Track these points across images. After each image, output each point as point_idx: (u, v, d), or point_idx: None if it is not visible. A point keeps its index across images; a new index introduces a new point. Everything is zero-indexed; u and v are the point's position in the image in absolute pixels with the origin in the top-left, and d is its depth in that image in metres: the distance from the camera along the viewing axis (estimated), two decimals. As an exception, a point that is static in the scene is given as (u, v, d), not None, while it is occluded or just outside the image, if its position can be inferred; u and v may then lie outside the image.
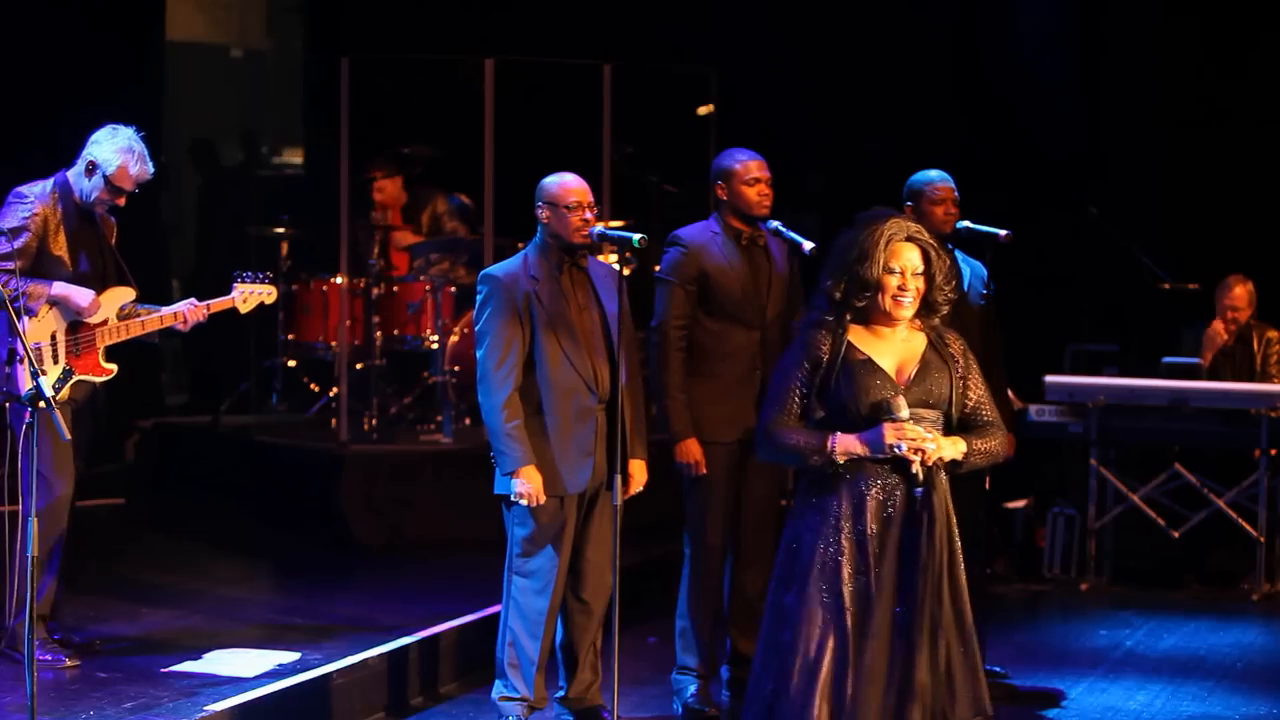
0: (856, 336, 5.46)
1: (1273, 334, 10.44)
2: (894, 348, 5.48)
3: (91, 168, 7.13)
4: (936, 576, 5.38)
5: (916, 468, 5.37)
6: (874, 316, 5.46)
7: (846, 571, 5.36)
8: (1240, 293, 10.43)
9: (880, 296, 5.41)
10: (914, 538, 5.37)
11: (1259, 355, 10.39)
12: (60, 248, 7.11)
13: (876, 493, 5.39)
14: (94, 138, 7.18)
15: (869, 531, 5.37)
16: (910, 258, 5.43)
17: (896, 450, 5.35)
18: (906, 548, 5.37)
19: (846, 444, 5.38)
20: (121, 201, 7.22)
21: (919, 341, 5.51)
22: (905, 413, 5.37)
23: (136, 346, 7.59)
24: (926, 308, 5.48)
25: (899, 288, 5.41)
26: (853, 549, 5.37)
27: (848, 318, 5.45)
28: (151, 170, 7.23)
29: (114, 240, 7.35)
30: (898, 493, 5.40)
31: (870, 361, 5.44)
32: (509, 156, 10.57)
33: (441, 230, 11.56)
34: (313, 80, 13.54)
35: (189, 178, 13.77)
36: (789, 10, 12.40)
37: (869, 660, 5.33)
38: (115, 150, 7.13)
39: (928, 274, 5.45)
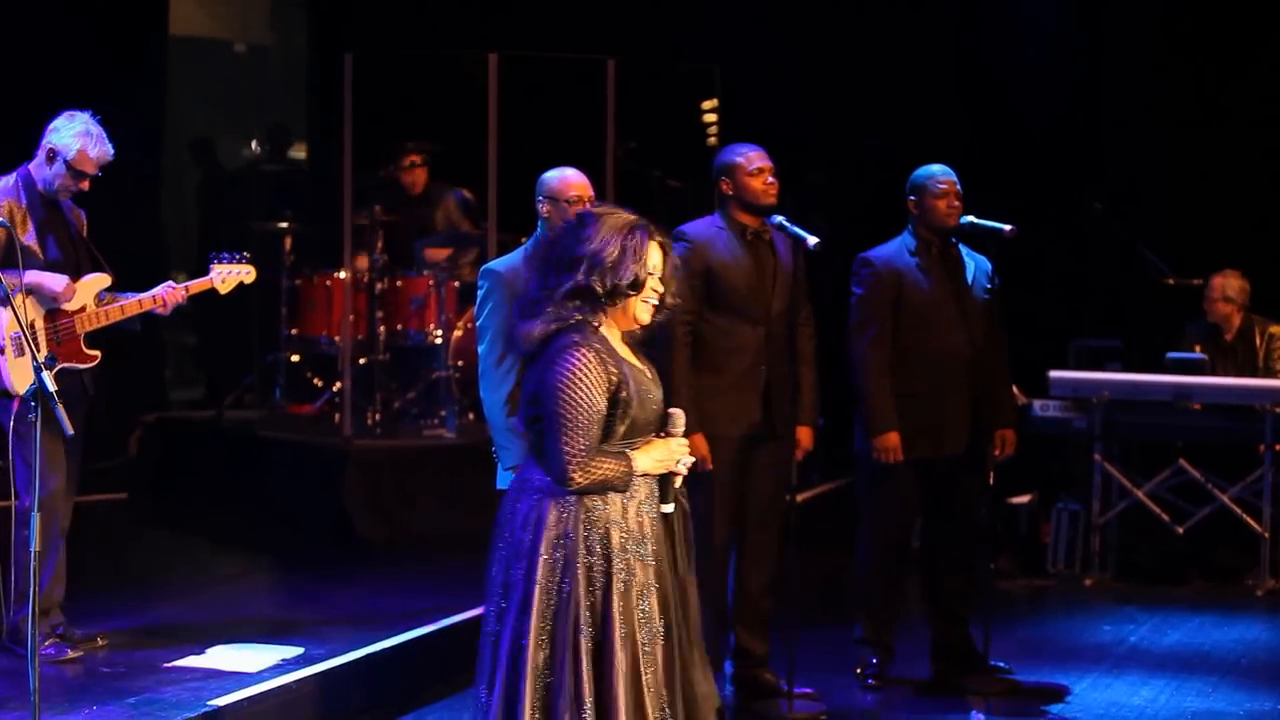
0: (616, 342, 5.12)
1: (1275, 329, 10.43)
2: (629, 354, 5.18)
3: (52, 155, 7.15)
4: (683, 587, 5.20)
5: (678, 483, 5.18)
6: (615, 317, 5.11)
7: (609, 590, 5.04)
8: (1218, 283, 10.39)
9: (630, 300, 5.08)
10: (669, 551, 5.17)
11: (1261, 351, 10.37)
12: (29, 238, 7.10)
13: (632, 510, 5.10)
14: (52, 125, 7.19)
15: (626, 546, 5.08)
16: (657, 259, 5.11)
17: (681, 466, 5.13)
18: (663, 560, 5.15)
19: (642, 464, 5.08)
20: (85, 185, 7.19)
21: (625, 348, 5.19)
22: (682, 426, 5.17)
23: (135, 341, 7.58)
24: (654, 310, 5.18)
25: (652, 290, 5.10)
26: (613, 564, 5.05)
27: (599, 323, 5.09)
28: (111, 151, 7.20)
29: (85, 232, 7.35)
30: (645, 508, 5.14)
31: (644, 371, 5.16)
32: (512, 151, 10.56)
33: (454, 227, 11.58)
34: (316, 75, 13.54)
35: (191, 173, 13.78)
36: (792, 6, 12.39)
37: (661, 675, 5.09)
38: (73, 135, 7.13)
39: (664, 278, 5.14)
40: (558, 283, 5.06)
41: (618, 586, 5.03)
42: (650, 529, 5.13)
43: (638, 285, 5.06)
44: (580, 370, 4.96)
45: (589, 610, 5.01)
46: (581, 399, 4.96)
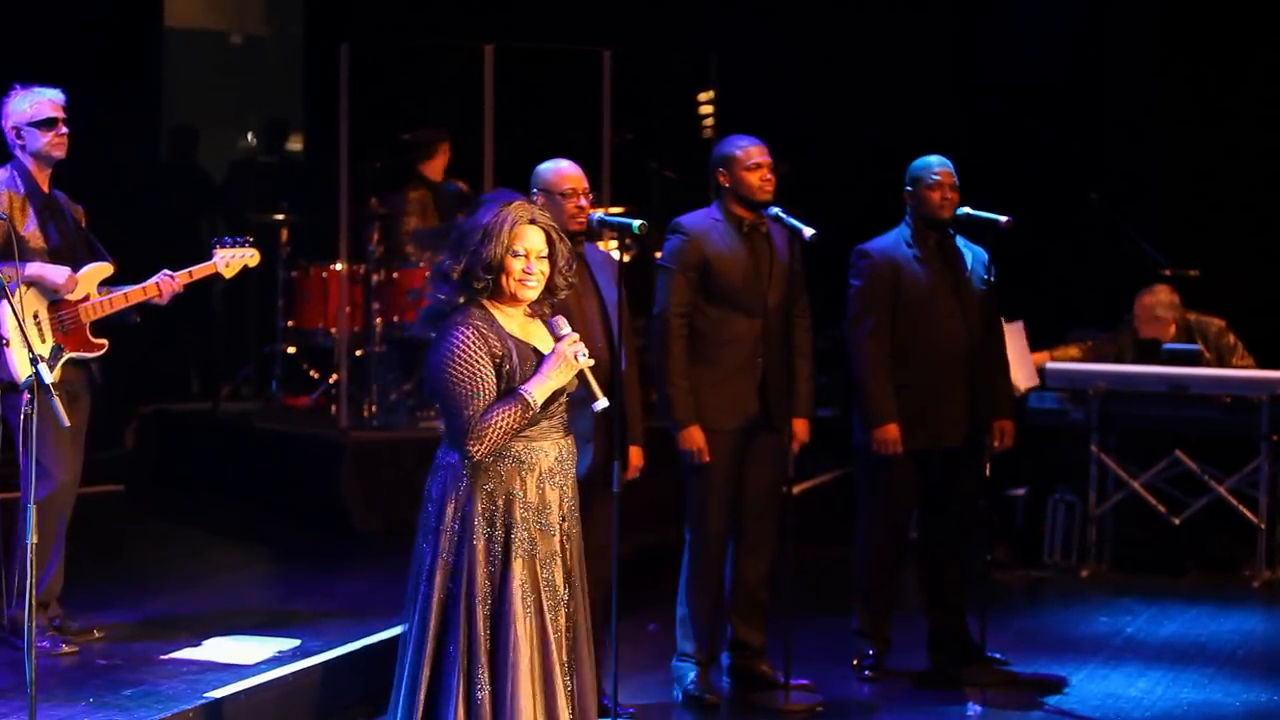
0: (507, 321, 5.39)
1: (1216, 322, 10.35)
2: (527, 329, 5.44)
3: (17, 131, 7.20)
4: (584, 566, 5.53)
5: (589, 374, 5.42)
6: (500, 299, 5.39)
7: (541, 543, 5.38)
8: (1147, 302, 10.34)
9: (505, 279, 5.34)
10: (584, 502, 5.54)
11: (1211, 352, 10.28)
12: (29, 225, 7.10)
13: (531, 482, 5.37)
14: (2, 115, 7.23)
15: (527, 518, 5.36)
16: (535, 240, 5.38)
17: (580, 359, 5.36)
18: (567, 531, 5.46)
19: (538, 386, 5.31)
20: (63, 131, 7.18)
21: (538, 324, 5.48)
22: (568, 327, 5.41)
23: (134, 332, 7.57)
24: (547, 291, 5.46)
25: (524, 270, 5.35)
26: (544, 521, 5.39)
27: (478, 304, 5.36)
28: (59, 90, 7.23)
29: (85, 224, 7.36)
30: (547, 480, 5.38)
31: (534, 347, 5.40)
32: (509, 143, 10.55)
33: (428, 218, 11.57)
34: (312, 67, 13.53)
35: (187, 165, 13.75)
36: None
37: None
38: (17, 101, 7.20)
39: (551, 258, 5.41)
40: (437, 268, 5.43)
41: (521, 558, 5.31)
42: (550, 499, 5.39)
43: (493, 267, 5.33)
44: (460, 347, 5.25)
45: (487, 580, 5.29)
46: (464, 374, 5.25)
